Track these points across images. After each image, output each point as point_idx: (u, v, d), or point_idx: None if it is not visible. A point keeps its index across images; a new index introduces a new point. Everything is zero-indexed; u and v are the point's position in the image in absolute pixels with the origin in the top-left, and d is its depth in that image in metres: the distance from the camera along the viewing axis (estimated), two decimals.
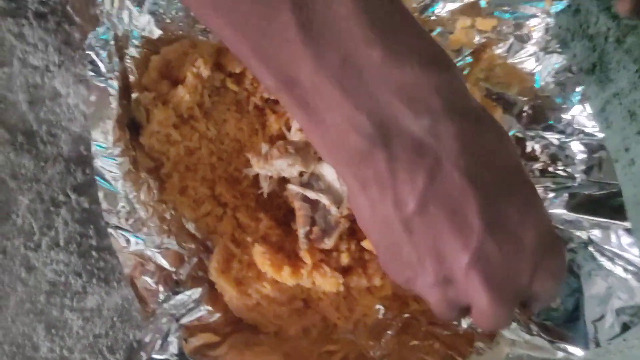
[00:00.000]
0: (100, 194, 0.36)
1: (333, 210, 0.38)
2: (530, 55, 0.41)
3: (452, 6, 0.41)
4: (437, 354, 0.39)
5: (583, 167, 0.40)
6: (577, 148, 0.40)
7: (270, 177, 0.39)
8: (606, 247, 0.38)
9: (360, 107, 0.23)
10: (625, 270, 0.37)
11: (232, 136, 0.40)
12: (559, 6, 0.40)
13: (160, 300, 0.37)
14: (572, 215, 0.39)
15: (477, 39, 0.41)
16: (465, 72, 0.42)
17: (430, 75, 0.24)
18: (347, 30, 0.22)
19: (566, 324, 0.38)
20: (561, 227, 0.39)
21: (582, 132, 0.40)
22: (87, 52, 0.35)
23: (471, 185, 0.25)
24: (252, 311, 0.39)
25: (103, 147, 0.36)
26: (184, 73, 0.38)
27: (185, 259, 0.39)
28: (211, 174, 0.40)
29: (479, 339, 0.39)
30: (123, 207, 0.36)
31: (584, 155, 0.40)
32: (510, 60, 0.41)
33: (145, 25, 0.38)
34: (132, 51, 0.38)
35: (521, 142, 0.42)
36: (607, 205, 0.38)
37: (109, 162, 0.36)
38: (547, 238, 0.28)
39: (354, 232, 0.39)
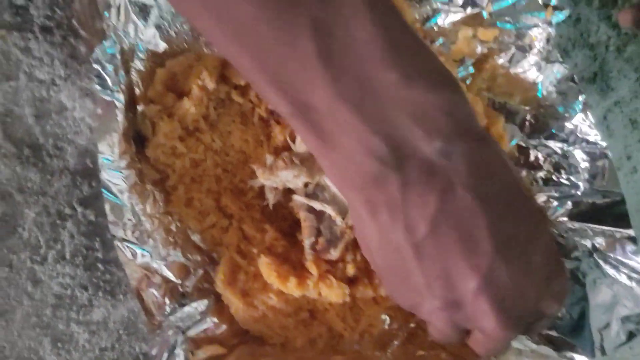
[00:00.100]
0: (107, 207, 0.36)
1: (338, 220, 0.38)
2: (532, 64, 0.41)
3: (454, 17, 0.41)
4: None
5: (586, 175, 0.40)
6: (580, 156, 0.41)
7: (276, 189, 0.39)
8: (610, 255, 0.38)
9: (376, 131, 0.23)
10: (630, 278, 0.38)
11: (237, 148, 0.40)
12: (560, 16, 0.40)
13: (166, 313, 0.37)
14: (576, 224, 0.40)
15: (479, 49, 0.42)
16: (467, 82, 0.43)
17: (442, 97, 0.24)
18: (366, 54, 0.22)
19: (572, 332, 0.38)
20: (565, 235, 0.40)
21: (585, 140, 0.40)
22: (94, 65, 0.36)
23: (481, 206, 0.25)
24: (258, 322, 0.39)
25: (109, 160, 0.36)
26: (190, 86, 0.38)
27: (191, 271, 0.39)
28: (216, 186, 0.40)
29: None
30: (129, 219, 0.36)
31: (587, 164, 0.40)
32: (512, 70, 0.42)
33: (150, 38, 0.39)
34: (138, 64, 0.38)
35: (524, 151, 0.42)
36: (610, 213, 0.39)
37: (115, 174, 0.36)
38: (553, 259, 0.28)
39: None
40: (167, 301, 0.37)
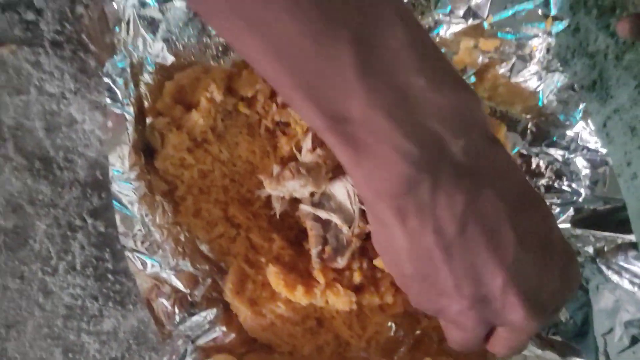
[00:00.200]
0: (117, 218, 0.37)
1: (345, 229, 0.38)
2: (532, 74, 0.42)
3: (455, 28, 0.42)
4: None
5: (587, 182, 0.41)
6: (581, 164, 0.41)
7: (282, 198, 0.40)
8: (612, 260, 0.39)
9: (409, 135, 0.24)
10: (632, 283, 0.38)
11: (244, 158, 0.41)
12: (560, 26, 0.40)
13: (176, 322, 0.38)
14: (578, 230, 0.40)
15: (480, 59, 0.42)
16: None
17: (464, 99, 0.25)
18: (399, 63, 0.23)
19: (576, 338, 0.39)
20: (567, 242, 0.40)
21: (586, 148, 0.41)
22: (105, 79, 0.36)
23: (502, 201, 0.26)
24: (266, 331, 0.39)
25: (120, 172, 0.36)
26: (197, 98, 0.39)
27: (199, 281, 0.39)
28: (224, 196, 0.41)
29: (491, 354, 0.40)
30: (139, 230, 0.37)
31: (588, 171, 0.41)
32: (513, 80, 0.42)
33: (158, 52, 0.39)
34: (146, 77, 0.39)
35: (526, 158, 0.43)
36: (612, 219, 0.39)
37: (125, 186, 0.37)
38: (565, 247, 0.29)
39: (365, 251, 0.40)
40: (177, 311, 0.38)
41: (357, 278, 0.39)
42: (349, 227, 0.38)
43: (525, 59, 0.41)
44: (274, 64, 0.23)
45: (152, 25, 0.39)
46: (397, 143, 0.24)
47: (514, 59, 0.42)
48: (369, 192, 0.26)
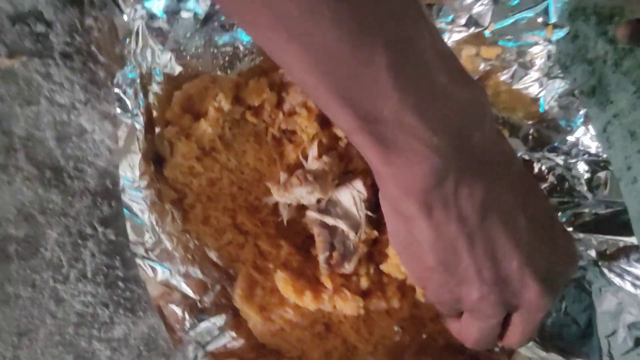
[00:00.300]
0: (128, 226, 0.37)
1: (351, 235, 0.39)
2: (534, 80, 0.42)
3: (457, 36, 0.42)
4: None
5: (589, 186, 0.41)
6: (582, 168, 0.42)
7: (289, 205, 0.41)
8: (614, 263, 0.39)
9: (437, 131, 0.26)
10: (634, 285, 0.38)
11: (252, 166, 0.42)
12: (560, 34, 0.41)
13: (186, 328, 0.38)
14: (581, 234, 0.41)
15: (482, 66, 0.43)
16: None
17: (477, 93, 0.27)
18: (426, 63, 0.25)
19: (580, 340, 0.39)
20: None
21: (587, 152, 0.41)
22: (115, 90, 0.37)
23: (511, 188, 0.29)
24: (275, 336, 0.40)
25: (130, 181, 0.37)
26: (206, 107, 0.39)
27: (209, 287, 0.40)
28: (232, 204, 0.41)
29: (497, 357, 0.40)
30: (150, 238, 0.38)
31: (589, 175, 0.41)
32: (514, 86, 0.43)
33: (166, 62, 0.40)
34: (155, 87, 0.40)
35: (528, 164, 0.43)
36: (613, 222, 0.40)
37: (136, 194, 0.37)
38: (564, 228, 0.32)
39: (372, 256, 0.41)
40: (187, 317, 0.38)
41: (364, 283, 0.39)
42: (356, 233, 0.39)
43: (526, 66, 0.42)
44: (313, 71, 0.24)
45: (160, 36, 0.39)
46: (427, 139, 0.25)
47: (515, 66, 0.42)
48: (396, 190, 0.28)
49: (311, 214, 0.40)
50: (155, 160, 0.39)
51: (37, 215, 0.41)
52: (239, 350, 0.39)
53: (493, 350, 0.41)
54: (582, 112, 0.42)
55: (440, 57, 0.26)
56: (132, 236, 0.37)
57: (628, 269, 0.39)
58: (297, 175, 0.38)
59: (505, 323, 0.32)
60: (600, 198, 0.41)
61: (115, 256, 0.42)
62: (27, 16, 0.42)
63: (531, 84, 0.42)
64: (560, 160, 0.43)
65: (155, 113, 0.40)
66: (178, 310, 0.38)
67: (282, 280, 0.38)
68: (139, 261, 0.37)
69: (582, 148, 0.42)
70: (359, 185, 0.39)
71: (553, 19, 0.40)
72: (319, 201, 0.40)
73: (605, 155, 0.41)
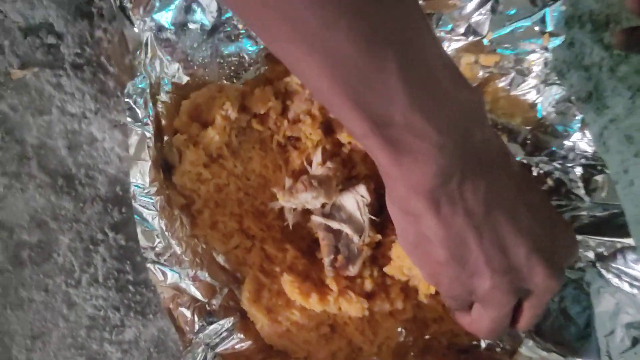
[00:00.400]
0: (139, 231, 0.38)
1: (355, 239, 0.40)
2: (531, 87, 0.43)
3: (456, 45, 0.43)
4: None
5: (586, 190, 0.42)
6: (579, 172, 0.42)
7: (295, 210, 0.42)
8: (612, 264, 0.39)
9: (443, 132, 0.27)
10: (632, 285, 0.39)
11: (258, 172, 0.43)
12: (556, 41, 0.42)
13: (196, 330, 0.39)
14: (579, 236, 0.41)
15: (481, 73, 0.44)
16: None
17: (476, 94, 0.29)
18: (431, 69, 0.27)
19: (580, 340, 0.40)
20: None
21: (584, 157, 0.42)
22: (126, 99, 0.38)
23: (511, 181, 0.30)
24: (282, 338, 0.40)
25: (140, 188, 0.38)
26: (213, 115, 0.40)
27: (217, 290, 0.41)
28: (239, 209, 0.42)
29: (498, 357, 0.41)
30: (159, 242, 0.39)
31: (587, 179, 0.42)
32: (513, 93, 0.43)
33: (174, 72, 0.41)
34: (163, 97, 0.41)
35: (527, 168, 0.44)
36: (610, 225, 0.40)
37: (146, 201, 0.38)
38: (561, 217, 0.34)
39: (375, 259, 0.41)
40: (196, 319, 0.39)
41: (368, 285, 0.40)
42: (360, 237, 0.40)
43: (523, 73, 0.43)
44: (329, 80, 0.26)
45: (168, 47, 0.40)
46: (433, 140, 0.27)
47: (513, 74, 0.43)
48: (405, 190, 0.29)
49: (316, 219, 0.41)
50: (164, 167, 0.40)
51: (49, 221, 0.42)
52: (247, 352, 0.40)
53: (495, 351, 0.42)
54: (578, 117, 0.42)
55: (443, 63, 0.28)
56: (142, 241, 0.38)
57: (625, 269, 0.39)
58: (302, 180, 0.39)
59: (514, 311, 0.33)
60: (597, 201, 0.41)
61: (125, 261, 0.43)
62: (39, 28, 0.43)
63: (529, 91, 0.43)
64: (558, 164, 0.43)
65: (163, 122, 0.41)
66: (187, 313, 0.39)
67: (288, 283, 0.39)
68: (149, 265, 0.38)
69: (579, 152, 0.42)
70: (362, 190, 0.40)
71: (549, 27, 0.41)
72: (323, 206, 0.40)
73: (601, 159, 0.42)
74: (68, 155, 0.43)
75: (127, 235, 0.43)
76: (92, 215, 0.43)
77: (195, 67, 0.42)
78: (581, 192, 0.42)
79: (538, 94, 0.43)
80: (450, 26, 0.42)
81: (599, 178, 0.42)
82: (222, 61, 0.43)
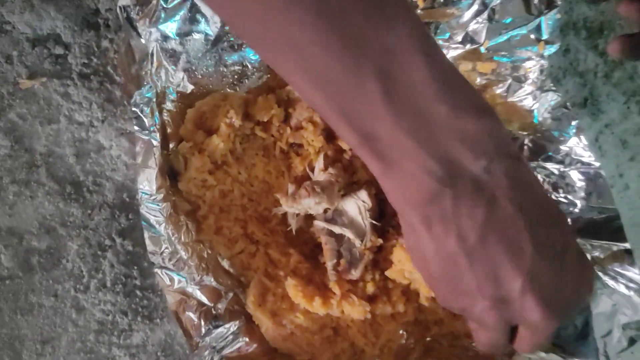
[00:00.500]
0: (146, 237, 0.39)
1: (357, 243, 0.40)
2: (528, 94, 0.43)
3: (454, 52, 0.44)
4: None
5: (582, 194, 0.42)
6: (576, 176, 0.42)
7: (298, 215, 0.42)
8: (609, 267, 0.40)
9: (432, 155, 0.27)
10: (628, 287, 0.39)
11: (261, 178, 0.43)
12: (552, 49, 0.43)
13: (202, 334, 0.40)
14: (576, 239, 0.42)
15: (478, 80, 0.44)
16: None
17: (484, 123, 0.28)
18: (421, 92, 0.26)
19: (578, 340, 0.40)
20: None
21: (580, 161, 0.42)
22: (133, 108, 0.39)
23: (521, 214, 0.28)
24: (286, 341, 0.41)
25: (147, 194, 0.39)
26: (218, 123, 0.41)
27: (222, 294, 0.41)
28: (243, 214, 0.43)
29: (498, 357, 0.42)
30: (166, 248, 0.39)
31: (583, 183, 0.42)
32: (510, 99, 0.44)
33: (179, 81, 0.42)
34: (169, 105, 0.42)
35: None
36: (607, 228, 0.41)
37: (153, 207, 0.39)
38: (582, 258, 0.32)
39: (377, 263, 0.42)
40: (203, 323, 0.40)
41: (370, 289, 0.41)
42: (362, 241, 0.40)
43: (520, 80, 0.43)
44: (315, 93, 0.27)
45: (173, 57, 0.41)
46: (421, 161, 0.27)
47: (509, 80, 0.44)
48: (397, 201, 0.29)
49: (318, 224, 0.41)
50: (170, 174, 0.41)
51: (58, 228, 0.43)
52: (252, 354, 0.41)
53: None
54: (574, 122, 0.42)
55: (441, 88, 0.27)
56: (150, 247, 0.39)
57: (622, 272, 0.40)
58: (304, 186, 0.40)
59: (514, 330, 0.33)
60: (593, 204, 0.42)
61: (133, 266, 0.44)
62: (46, 39, 0.44)
63: (525, 97, 0.44)
64: (554, 169, 0.44)
65: (169, 130, 0.42)
66: (194, 317, 0.40)
67: (292, 287, 0.40)
68: (157, 270, 0.39)
69: (575, 157, 0.43)
70: (363, 195, 0.41)
71: (545, 35, 0.42)
72: (325, 211, 0.41)
73: (597, 164, 0.42)
74: (76, 163, 0.44)
75: (134, 241, 0.44)
76: (100, 221, 0.44)
77: (199, 76, 0.43)
78: (577, 196, 0.42)
79: (534, 100, 0.43)
80: (448, 34, 0.43)
81: (595, 182, 0.42)
82: (225, 70, 0.43)
